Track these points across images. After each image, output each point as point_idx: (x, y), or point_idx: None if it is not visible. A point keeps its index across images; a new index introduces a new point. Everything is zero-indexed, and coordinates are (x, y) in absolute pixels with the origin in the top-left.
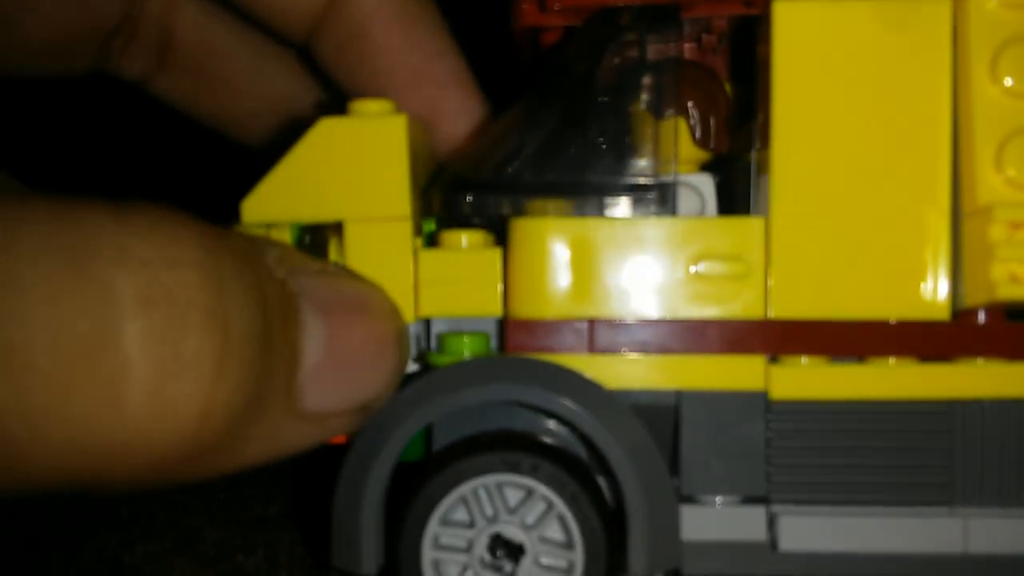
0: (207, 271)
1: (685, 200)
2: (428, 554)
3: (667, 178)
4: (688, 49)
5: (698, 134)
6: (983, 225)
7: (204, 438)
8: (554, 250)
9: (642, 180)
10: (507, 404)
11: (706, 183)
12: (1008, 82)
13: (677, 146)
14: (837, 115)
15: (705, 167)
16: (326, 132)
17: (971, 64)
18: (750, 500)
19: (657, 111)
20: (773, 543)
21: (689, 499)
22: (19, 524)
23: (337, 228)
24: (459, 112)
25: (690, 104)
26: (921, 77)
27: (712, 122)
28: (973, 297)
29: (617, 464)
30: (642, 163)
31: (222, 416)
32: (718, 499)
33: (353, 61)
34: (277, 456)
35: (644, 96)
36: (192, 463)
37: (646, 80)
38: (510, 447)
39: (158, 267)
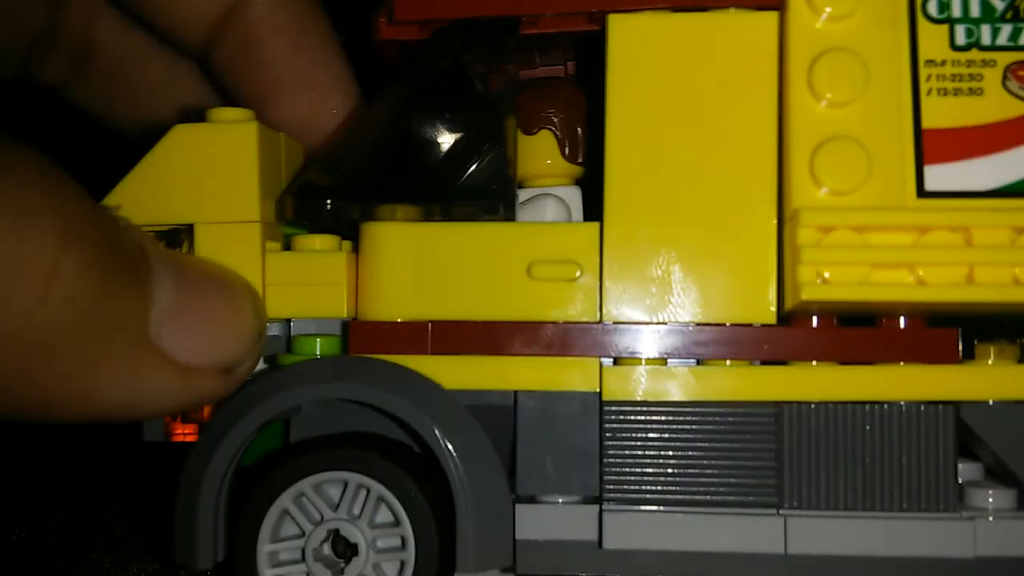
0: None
1: (552, 211)
2: (264, 552)
3: (510, 186)
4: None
5: (566, 149)
6: (794, 229)
7: (42, 332)
8: (397, 253)
9: (486, 187)
10: (367, 406)
11: (573, 195)
12: (821, 91)
13: (512, 154)
14: (669, 123)
15: (581, 182)
16: (180, 138)
17: (790, 74)
18: (589, 500)
19: (525, 125)
20: (600, 542)
21: (528, 499)
22: (12, 542)
23: (190, 231)
24: (342, 117)
25: (558, 119)
26: (749, 87)
27: (579, 136)
28: (789, 300)
29: (445, 461)
30: (493, 172)
31: (61, 313)
32: (559, 499)
33: (244, 69)
34: (143, 402)
35: (506, 109)
36: (40, 365)
37: (508, 94)
38: (332, 446)
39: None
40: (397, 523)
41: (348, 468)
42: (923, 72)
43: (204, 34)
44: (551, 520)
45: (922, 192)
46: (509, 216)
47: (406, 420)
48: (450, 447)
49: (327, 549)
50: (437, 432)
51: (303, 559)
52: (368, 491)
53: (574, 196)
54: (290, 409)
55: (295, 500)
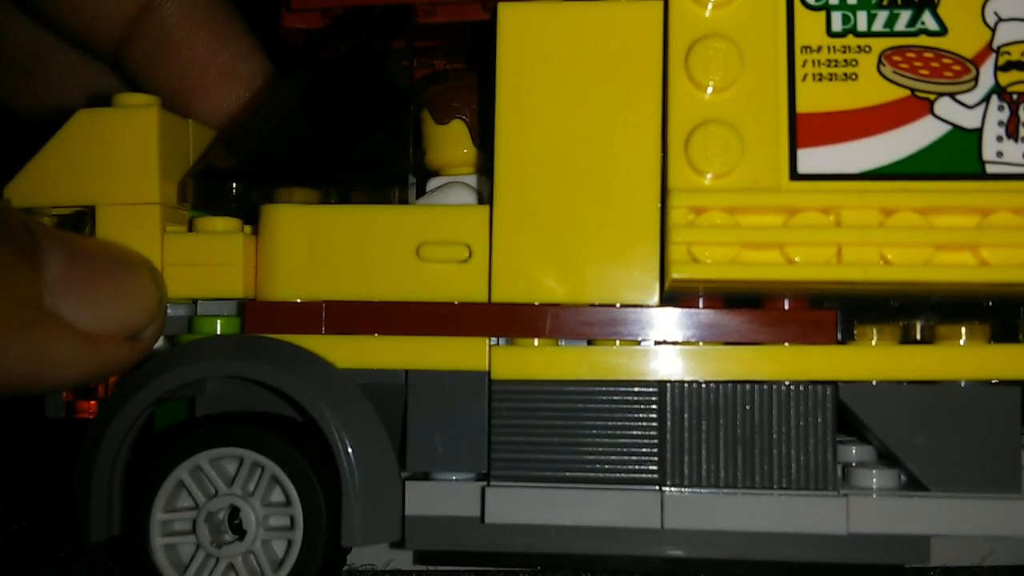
0: None
1: (460, 197)
2: (157, 521)
3: (404, 170)
4: None
5: (478, 138)
6: (667, 210)
7: None
8: (294, 235)
9: (381, 171)
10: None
11: (485, 183)
12: (697, 77)
13: (422, 142)
14: (557, 110)
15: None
16: (83, 121)
17: (670, 60)
18: (479, 477)
19: (438, 115)
20: (482, 517)
21: (420, 476)
22: (12, 532)
23: (93, 213)
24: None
25: (470, 109)
26: (634, 73)
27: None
28: (666, 280)
29: (332, 439)
30: (389, 157)
31: None
32: (452, 476)
33: (164, 65)
34: (47, 371)
35: (414, 98)
36: None
37: (415, 83)
38: (231, 422)
39: None
40: (289, 503)
41: (245, 445)
42: (799, 58)
43: (116, 37)
44: (438, 496)
45: (795, 175)
46: (403, 200)
47: (295, 398)
48: (338, 426)
49: (222, 521)
50: (325, 411)
51: (194, 530)
52: (263, 469)
53: (486, 184)
54: (186, 386)
55: (191, 472)
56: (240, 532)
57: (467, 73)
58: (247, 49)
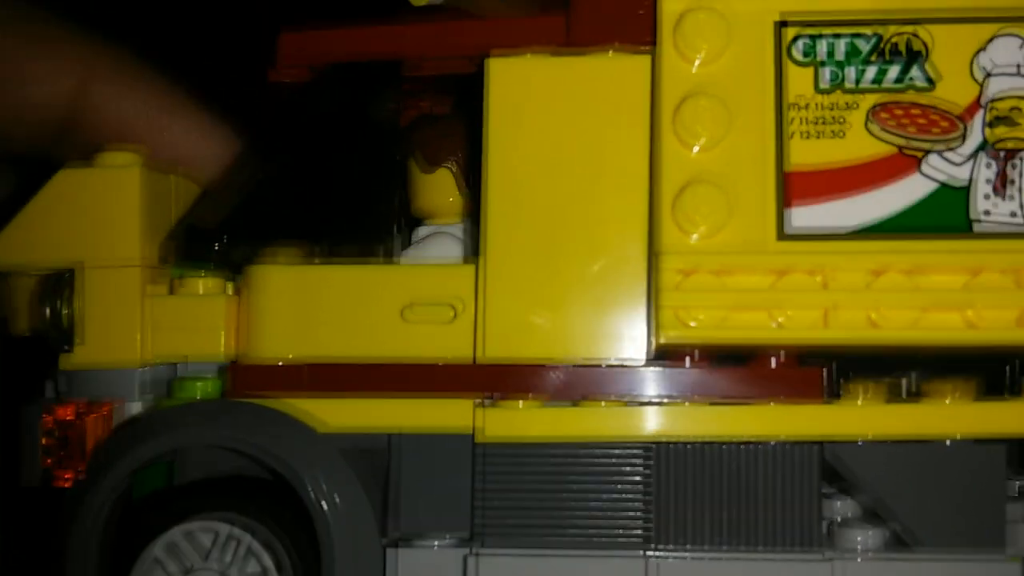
0: None
1: (446, 248)
2: None
3: (390, 227)
4: None
5: (465, 186)
6: (656, 271)
7: None
8: (278, 296)
9: (367, 229)
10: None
11: (471, 232)
12: (685, 135)
13: (407, 192)
14: (546, 164)
15: None
16: (65, 180)
17: (658, 116)
18: (464, 542)
19: (425, 163)
20: None
21: (403, 541)
22: None
23: (71, 275)
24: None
25: (457, 157)
26: (623, 129)
27: None
28: (655, 341)
29: (309, 503)
30: (375, 214)
31: None
32: (435, 541)
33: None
34: None
35: (401, 148)
36: None
37: (401, 133)
38: (204, 494)
39: None
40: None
41: (218, 518)
42: (787, 114)
43: (49, 139)
44: (422, 563)
45: (783, 234)
46: (389, 252)
47: (275, 468)
48: (318, 493)
49: None
50: (304, 479)
51: None
52: (239, 541)
53: (474, 233)
54: (166, 453)
55: (167, 547)
56: None
57: (454, 120)
58: (198, 134)
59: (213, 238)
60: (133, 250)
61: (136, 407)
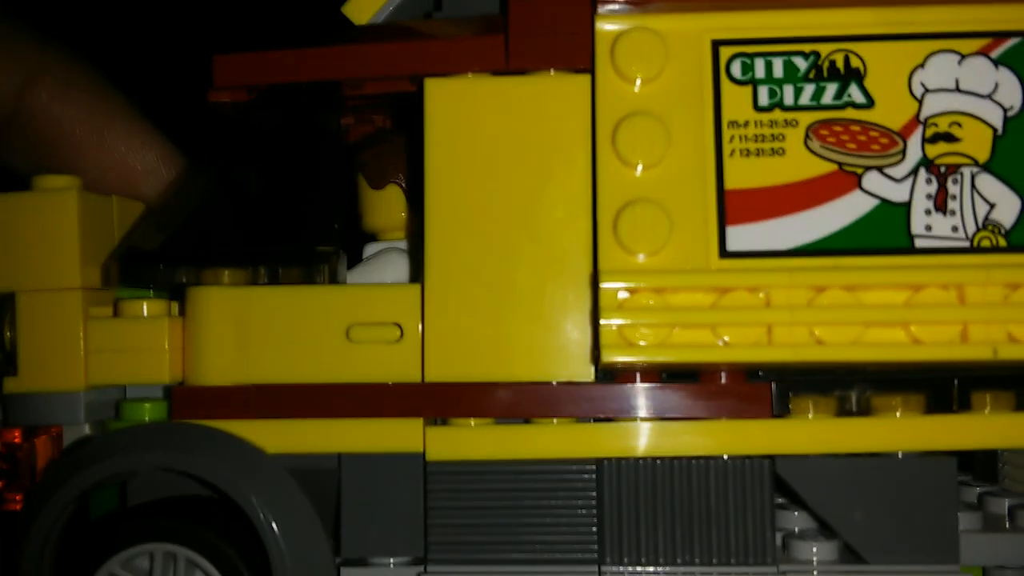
0: None
1: (395, 264)
2: None
3: (335, 248)
4: None
5: (412, 203)
6: (597, 291)
7: None
8: (221, 318)
9: (310, 250)
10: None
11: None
12: (624, 155)
13: (357, 209)
14: (487, 185)
15: None
16: (3, 205)
17: (597, 137)
18: (418, 560)
19: (373, 180)
20: None
21: (355, 561)
22: None
23: (13, 300)
24: (155, 173)
25: (405, 173)
26: (564, 149)
27: None
28: (600, 361)
29: (262, 529)
30: (318, 234)
31: None
32: (390, 560)
33: (48, 159)
34: None
35: (346, 165)
36: None
37: (345, 152)
38: (130, 520)
39: None
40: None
41: (148, 539)
42: (726, 133)
43: None
44: None
45: (724, 253)
46: (334, 272)
47: (223, 489)
48: (266, 514)
49: None
50: (252, 499)
51: None
52: (175, 557)
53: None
54: (115, 475)
55: (120, 570)
56: None
57: (401, 137)
58: (140, 143)
59: (155, 260)
60: (73, 273)
61: (84, 430)
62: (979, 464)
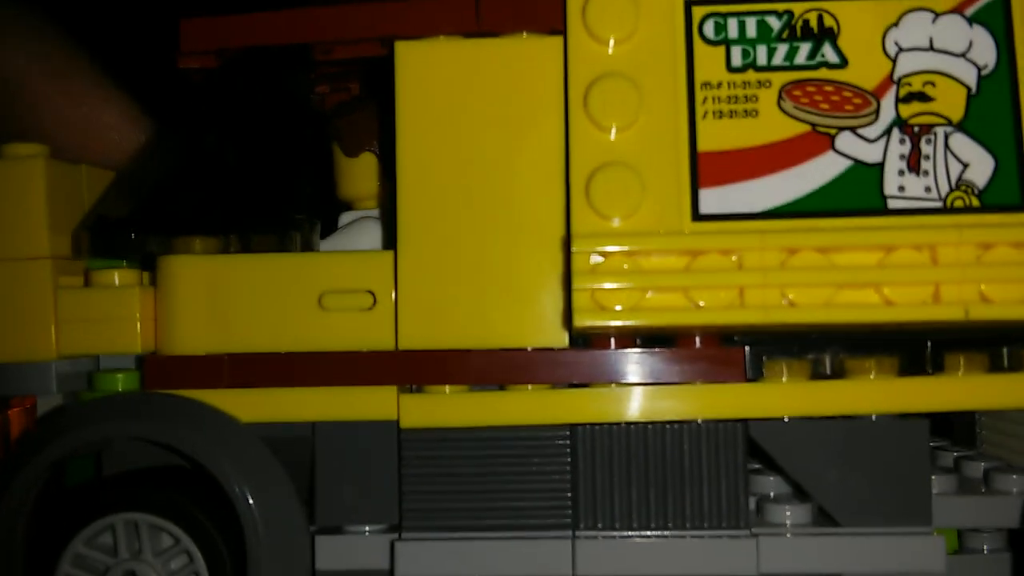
0: None
1: (370, 233)
2: None
3: (306, 215)
4: None
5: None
6: (571, 255)
7: None
8: (193, 287)
9: (282, 217)
10: None
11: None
12: (596, 117)
13: (332, 177)
14: (459, 149)
15: None
16: None
17: (570, 99)
18: (392, 528)
19: (348, 148)
20: (391, 570)
21: (331, 529)
22: None
23: None
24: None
25: (380, 142)
26: (536, 112)
27: None
28: (572, 325)
29: (235, 496)
30: (290, 201)
31: None
32: (365, 528)
33: (8, 112)
34: None
35: (322, 133)
36: None
37: (318, 118)
38: (123, 487)
39: None
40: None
41: (146, 510)
42: (699, 95)
43: None
44: (348, 550)
45: (697, 216)
46: (307, 242)
47: (196, 458)
48: (239, 482)
49: None
50: (225, 467)
51: None
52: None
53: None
54: (86, 445)
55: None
56: None
57: (375, 104)
58: (102, 98)
59: (125, 229)
60: (42, 242)
61: (57, 400)
62: (957, 430)
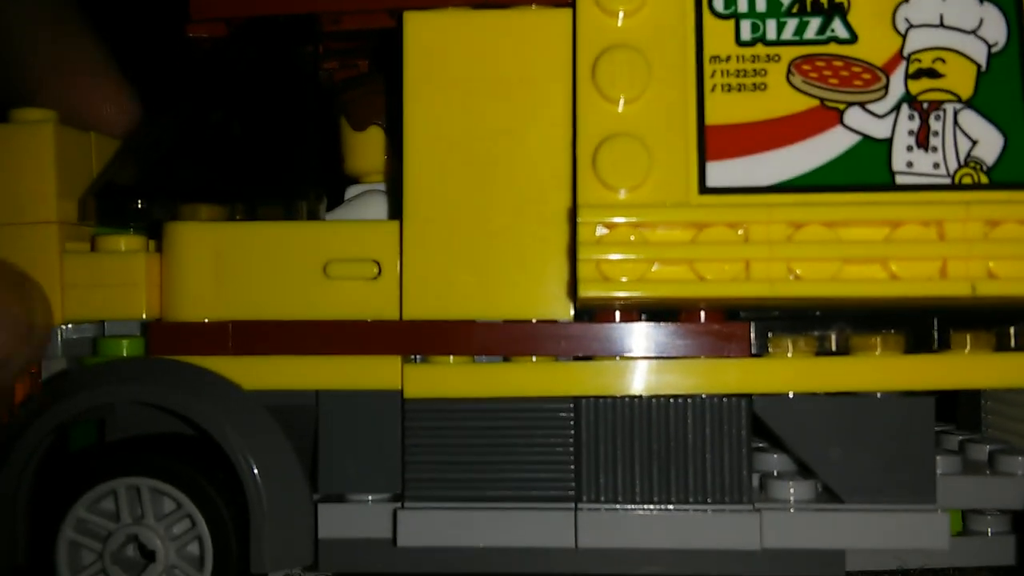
0: None
1: (376, 206)
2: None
3: (313, 184)
4: None
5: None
6: (575, 226)
7: None
8: (199, 254)
9: (289, 186)
10: None
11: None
12: (604, 88)
13: (339, 150)
14: (466, 120)
15: None
16: None
17: (578, 71)
18: (395, 497)
19: (356, 122)
20: (394, 539)
21: (335, 498)
22: None
23: None
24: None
25: (388, 114)
26: (544, 84)
27: None
28: (576, 296)
29: (238, 463)
30: (298, 170)
31: None
32: (368, 498)
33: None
34: None
35: (331, 106)
36: None
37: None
38: (130, 451)
39: None
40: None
41: (149, 475)
42: (708, 68)
43: None
44: (351, 519)
45: (704, 189)
46: (313, 212)
47: (198, 423)
48: (243, 449)
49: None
50: (229, 433)
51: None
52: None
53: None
54: (92, 410)
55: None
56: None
57: (383, 78)
58: (91, 65)
59: (132, 195)
60: (50, 207)
61: (60, 365)
62: (963, 414)
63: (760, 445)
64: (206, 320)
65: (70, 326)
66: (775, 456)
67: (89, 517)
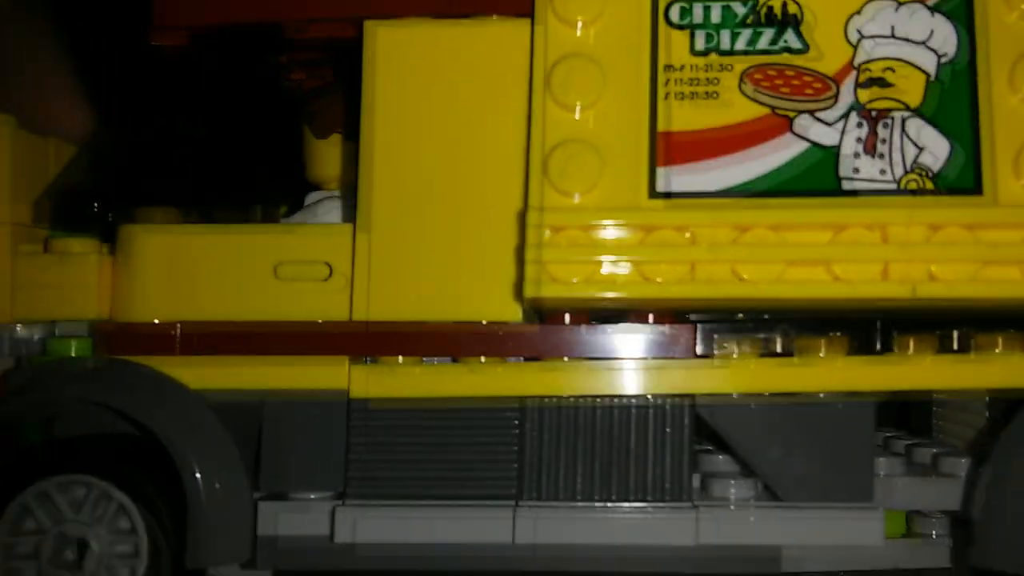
0: None
1: (333, 212)
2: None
3: (268, 188)
4: None
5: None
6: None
7: None
8: (151, 255)
9: (243, 190)
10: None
11: None
12: (558, 96)
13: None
14: (421, 129)
15: None
16: None
17: (533, 79)
18: (339, 496)
19: (318, 130)
20: (331, 536)
21: (275, 496)
22: None
23: None
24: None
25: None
26: (501, 93)
27: None
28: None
29: (176, 457)
30: (253, 175)
31: None
32: (311, 496)
33: None
34: None
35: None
36: None
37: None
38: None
39: None
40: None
41: (88, 473)
42: (662, 76)
43: None
44: (289, 516)
45: (654, 193)
46: (270, 217)
47: (135, 417)
48: (180, 443)
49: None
50: (167, 427)
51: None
52: (109, 497)
53: None
54: (31, 408)
55: (36, 501)
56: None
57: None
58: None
59: (86, 199)
60: (3, 209)
61: (7, 364)
62: (914, 420)
63: (708, 447)
64: (155, 321)
65: (20, 327)
66: (721, 457)
67: (53, 496)
